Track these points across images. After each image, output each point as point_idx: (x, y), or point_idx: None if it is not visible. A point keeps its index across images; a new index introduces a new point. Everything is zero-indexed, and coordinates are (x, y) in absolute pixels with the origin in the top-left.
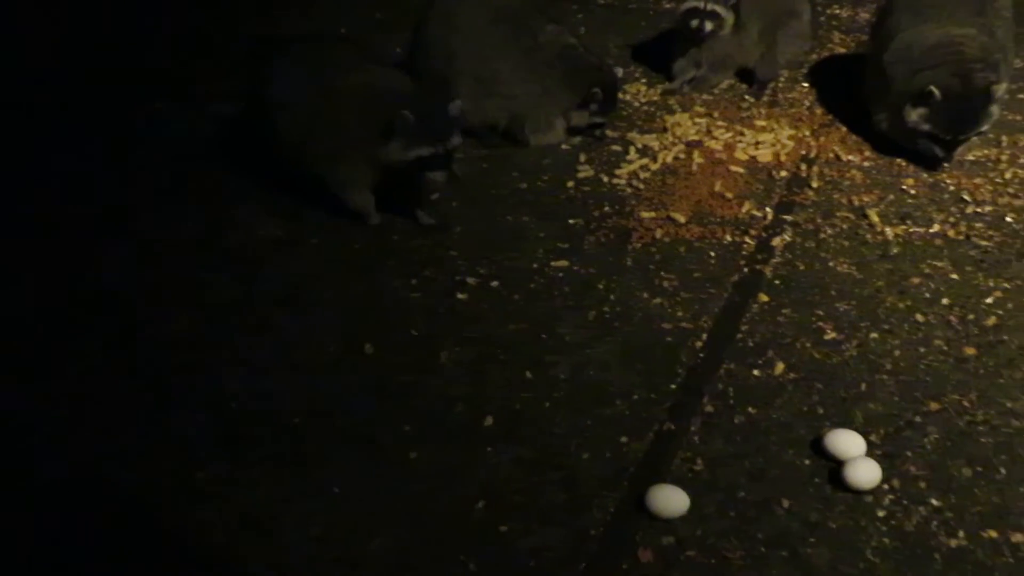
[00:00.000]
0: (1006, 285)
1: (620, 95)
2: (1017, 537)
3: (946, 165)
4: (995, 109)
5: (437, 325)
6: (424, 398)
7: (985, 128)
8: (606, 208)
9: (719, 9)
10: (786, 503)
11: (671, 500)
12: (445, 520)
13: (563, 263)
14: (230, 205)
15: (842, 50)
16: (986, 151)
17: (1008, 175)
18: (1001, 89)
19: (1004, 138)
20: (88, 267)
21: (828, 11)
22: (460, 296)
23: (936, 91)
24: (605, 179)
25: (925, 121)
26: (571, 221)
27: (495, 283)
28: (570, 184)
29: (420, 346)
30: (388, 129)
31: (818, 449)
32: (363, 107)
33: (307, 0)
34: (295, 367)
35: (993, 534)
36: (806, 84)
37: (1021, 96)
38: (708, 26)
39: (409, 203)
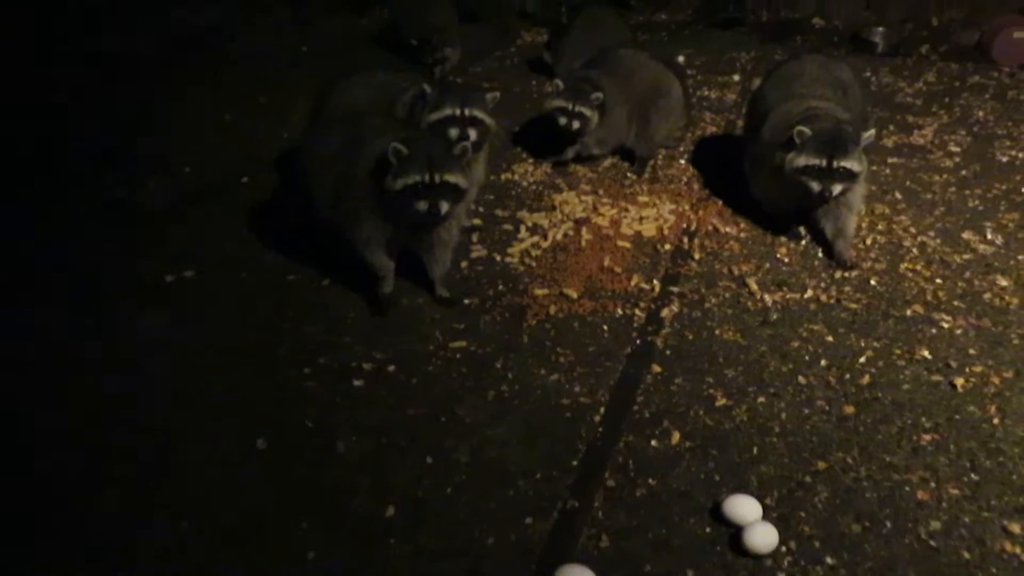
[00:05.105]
0: (876, 344)
1: (509, 175)
2: None
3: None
4: (862, 154)
5: (333, 414)
6: (322, 492)
7: (857, 169)
8: (500, 287)
9: (585, 111)
10: (690, 573)
11: None
12: None
13: (460, 343)
14: (109, 297)
15: (713, 129)
16: None
17: (869, 241)
18: (864, 135)
19: (862, 207)
20: None
21: (699, 93)
22: (356, 383)
23: (805, 129)
24: (498, 258)
25: (799, 155)
26: (466, 301)
27: (392, 367)
28: (464, 264)
29: (316, 437)
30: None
31: (717, 515)
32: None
33: (193, 80)
34: (183, 464)
35: None
36: (683, 161)
37: (875, 168)
38: (575, 125)
39: (428, 272)
